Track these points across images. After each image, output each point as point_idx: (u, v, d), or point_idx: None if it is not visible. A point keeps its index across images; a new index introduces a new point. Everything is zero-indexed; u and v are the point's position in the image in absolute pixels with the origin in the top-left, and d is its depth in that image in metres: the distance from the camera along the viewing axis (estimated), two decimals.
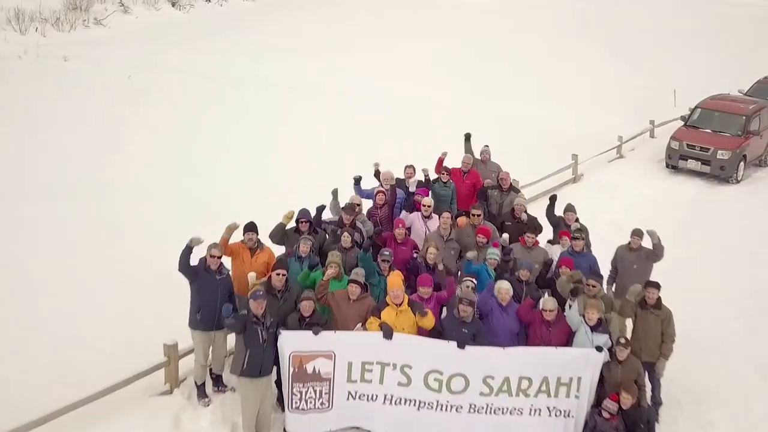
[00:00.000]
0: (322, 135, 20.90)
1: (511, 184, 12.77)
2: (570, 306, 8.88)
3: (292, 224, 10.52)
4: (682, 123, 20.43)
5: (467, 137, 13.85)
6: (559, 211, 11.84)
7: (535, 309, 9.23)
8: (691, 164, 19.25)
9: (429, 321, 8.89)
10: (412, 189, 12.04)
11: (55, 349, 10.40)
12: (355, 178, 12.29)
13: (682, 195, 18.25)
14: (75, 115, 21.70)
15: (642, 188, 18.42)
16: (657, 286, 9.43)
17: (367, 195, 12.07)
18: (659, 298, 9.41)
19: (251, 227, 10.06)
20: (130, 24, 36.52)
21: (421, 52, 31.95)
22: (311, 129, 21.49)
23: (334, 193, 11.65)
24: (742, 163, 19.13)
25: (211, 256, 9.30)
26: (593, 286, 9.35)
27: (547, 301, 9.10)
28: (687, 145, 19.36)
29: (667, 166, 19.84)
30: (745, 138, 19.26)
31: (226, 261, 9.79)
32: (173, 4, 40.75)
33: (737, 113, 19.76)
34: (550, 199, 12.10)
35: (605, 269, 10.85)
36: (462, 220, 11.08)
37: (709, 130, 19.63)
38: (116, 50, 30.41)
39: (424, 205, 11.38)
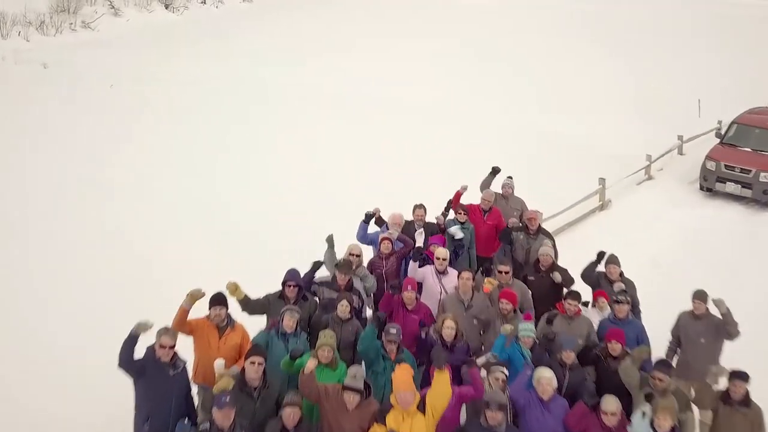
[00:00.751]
0: (321, 135, 20.27)
1: (540, 225, 10.54)
2: (643, 415, 6.65)
3: (270, 287, 8.49)
4: (718, 140, 18.01)
5: (495, 171, 11.58)
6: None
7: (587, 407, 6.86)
8: (730, 187, 16.81)
9: (443, 382, 6.84)
10: (419, 241, 9.52)
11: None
12: (366, 215, 10.10)
13: (723, 223, 15.87)
14: (70, 117, 20.91)
15: (677, 216, 16.08)
16: (745, 377, 7.12)
17: (371, 240, 9.85)
18: (748, 393, 7.15)
19: (219, 300, 7.79)
20: (120, 27, 34.88)
21: (419, 52, 30.78)
22: (310, 129, 20.76)
23: (330, 240, 9.32)
24: None
25: (161, 345, 7.01)
26: (660, 380, 6.98)
27: (608, 402, 6.74)
28: (725, 166, 16.92)
29: (702, 188, 17.43)
30: None
31: (186, 343, 7.61)
32: (166, 6, 38.86)
33: None
34: (597, 255, 9.58)
35: (648, 326, 8.67)
36: (490, 281, 8.48)
37: (748, 149, 17.18)
38: (104, 55, 28.74)
39: (438, 258, 9.07)
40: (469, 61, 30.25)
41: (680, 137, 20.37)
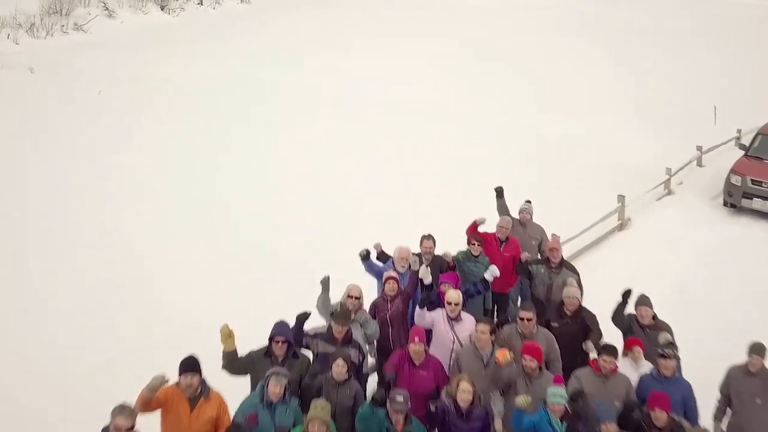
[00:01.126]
0: (320, 135, 20.32)
1: (563, 258, 9.32)
2: None
3: (257, 343, 7.23)
4: (742, 152, 16.91)
5: (499, 193, 10.36)
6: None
7: None
8: (757, 204, 15.66)
9: None
10: (425, 279, 8.10)
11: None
12: (361, 255, 8.85)
13: (753, 242, 14.64)
14: (69, 118, 20.99)
15: (702, 234, 14.88)
16: None
17: (378, 271, 8.84)
18: None
19: (189, 366, 6.44)
20: (114, 29, 34.53)
21: (418, 52, 30.79)
22: (309, 130, 20.81)
23: (324, 283, 8.06)
24: None
25: (115, 428, 5.78)
26: None
27: None
28: (751, 180, 15.74)
29: (726, 204, 16.26)
30: None
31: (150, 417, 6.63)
32: (162, 8, 38.54)
33: None
34: (622, 296, 8.44)
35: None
36: (503, 354, 7.14)
37: None
38: (96, 57, 28.50)
39: (449, 303, 7.80)
40: (468, 62, 30.24)
41: (699, 148, 19.05)
